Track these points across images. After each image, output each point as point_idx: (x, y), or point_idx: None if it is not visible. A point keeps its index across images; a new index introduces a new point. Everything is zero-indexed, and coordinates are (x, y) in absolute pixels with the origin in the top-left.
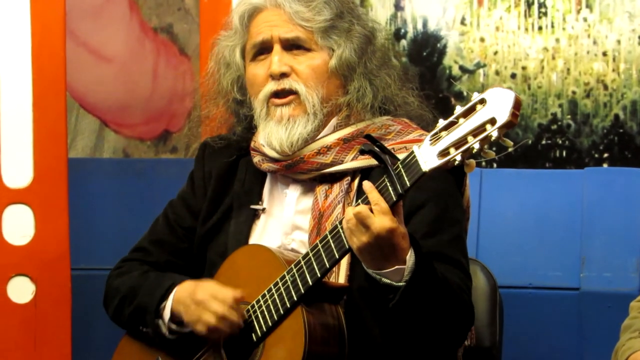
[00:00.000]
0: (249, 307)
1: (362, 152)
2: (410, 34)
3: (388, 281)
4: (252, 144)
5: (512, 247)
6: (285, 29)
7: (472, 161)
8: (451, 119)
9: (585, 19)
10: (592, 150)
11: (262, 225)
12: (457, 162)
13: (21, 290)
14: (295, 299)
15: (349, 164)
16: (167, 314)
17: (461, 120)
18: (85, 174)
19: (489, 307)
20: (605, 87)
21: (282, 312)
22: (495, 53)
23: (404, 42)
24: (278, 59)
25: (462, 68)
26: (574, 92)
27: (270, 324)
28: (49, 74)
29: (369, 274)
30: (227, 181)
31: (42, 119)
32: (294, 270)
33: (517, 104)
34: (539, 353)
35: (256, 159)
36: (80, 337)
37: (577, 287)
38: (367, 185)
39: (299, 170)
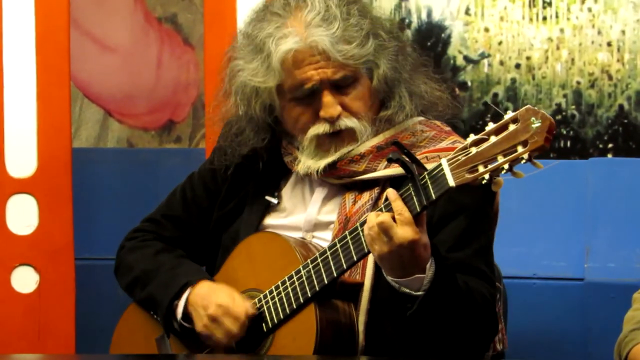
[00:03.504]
0: (261, 296)
1: (389, 160)
2: (414, 24)
3: (407, 290)
4: (283, 144)
5: (517, 237)
6: (334, 70)
7: (500, 179)
8: (482, 135)
9: (589, 9)
10: (597, 140)
11: (277, 219)
12: (485, 180)
13: (25, 280)
14: (309, 295)
15: (381, 172)
16: (179, 313)
17: (492, 137)
18: (90, 164)
19: None
20: (610, 78)
21: (294, 306)
22: (500, 43)
23: (408, 32)
24: (331, 103)
25: (466, 58)
26: (578, 83)
27: (281, 316)
28: (53, 63)
29: (388, 282)
30: (249, 168)
31: (46, 109)
32: (310, 266)
33: (551, 128)
34: (543, 343)
35: (287, 158)
36: (84, 327)
37: (582, 278)
38: (391, 193)
39: (330, 175)
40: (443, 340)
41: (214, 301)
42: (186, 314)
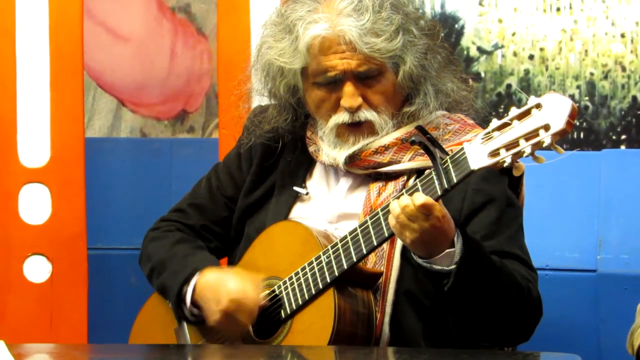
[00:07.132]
0: (280, 283)
1: (412, 142)
2: (428, 15)
3: (439, 267)
4: (307, 134)
5: (529, 228)
6: (358, 62)
7: (522, 164)
8: (505, 120)
9: (603, 0)
10: (610, 132)
11: (304, 209)
12: (506, 164)
13: (38, 269)
14: (329, 280)
15: (406, 164)
16: (188, 300)
17: (515, 122)
18: (102, 154)
19: None
20: (623, 69)
21: (313, 292)
22: (513, 34)
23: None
24: (352, 93)
25: (479, 49)
26: (591, 74)
27: (300, 302)
28: (67, 53)
29: (420, 264)
30: (274, 158)
31: (59, 99)
32: (330, 252)
33: (573, 113)
34: (555, 335)
35: (312, 148)
36: (96, 317)
37: (594, 269)
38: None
39: (355, 166)
40: (487, 320)
41: (226, 296)
42: (194, 301)
